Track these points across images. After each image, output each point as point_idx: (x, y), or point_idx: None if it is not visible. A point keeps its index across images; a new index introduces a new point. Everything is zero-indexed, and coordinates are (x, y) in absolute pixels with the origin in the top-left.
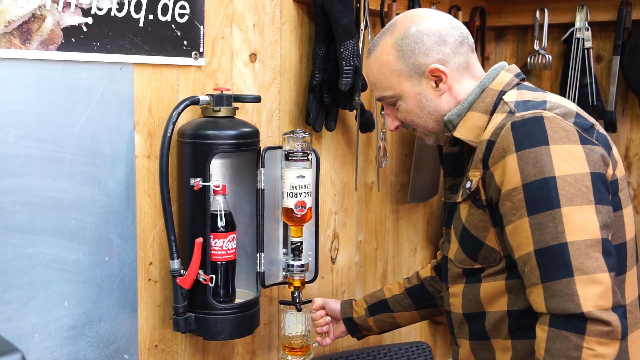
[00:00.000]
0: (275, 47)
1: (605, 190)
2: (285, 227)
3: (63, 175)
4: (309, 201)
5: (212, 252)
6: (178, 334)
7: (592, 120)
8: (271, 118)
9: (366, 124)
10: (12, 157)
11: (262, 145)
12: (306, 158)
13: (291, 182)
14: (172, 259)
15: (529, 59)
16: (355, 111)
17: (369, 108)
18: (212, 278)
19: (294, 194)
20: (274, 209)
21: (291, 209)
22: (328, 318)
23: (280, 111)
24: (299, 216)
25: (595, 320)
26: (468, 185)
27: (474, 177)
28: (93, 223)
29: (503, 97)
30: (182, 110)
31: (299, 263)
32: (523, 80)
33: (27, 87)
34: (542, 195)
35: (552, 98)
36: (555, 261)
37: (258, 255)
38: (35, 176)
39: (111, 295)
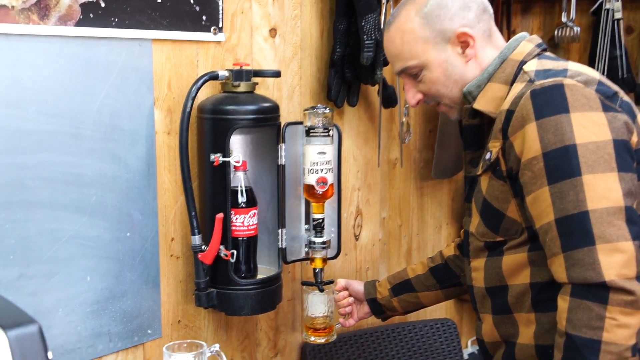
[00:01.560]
0: (295, 22)
1: (629, 158)
2: (308, 203)
3: (83, 152)
4: (330, 177)
5: (233, 227)
6: (201, 309)
7: (615, 87)
8: (292, 94)
9: (389, 99)
10: (32, 133)
11: (283, 121)
12: (327, 134)
13: (312, 158)
14: (193, 234)
15: (556, 32)
16: (377, 86)
17: (391, 83)
18: (233, 254)
19: (315, 170)
20: (296, 185)
21: (312, 186)
22: (351, 299)
23: (301, 87)
24: (320, 193)
25: (618, 289)
26: (488, 156)
27: (494, 147)
28: (114, 199)
29: (523, 67)
30: (201, 86)
31: (320, 240)
32: (544, 50)
33: (45, 63)
34: (562, 164)
35: (574, 66)
36: (577, 230)
37: (279, 231)
38: (55, 152)
39: (133, 270)
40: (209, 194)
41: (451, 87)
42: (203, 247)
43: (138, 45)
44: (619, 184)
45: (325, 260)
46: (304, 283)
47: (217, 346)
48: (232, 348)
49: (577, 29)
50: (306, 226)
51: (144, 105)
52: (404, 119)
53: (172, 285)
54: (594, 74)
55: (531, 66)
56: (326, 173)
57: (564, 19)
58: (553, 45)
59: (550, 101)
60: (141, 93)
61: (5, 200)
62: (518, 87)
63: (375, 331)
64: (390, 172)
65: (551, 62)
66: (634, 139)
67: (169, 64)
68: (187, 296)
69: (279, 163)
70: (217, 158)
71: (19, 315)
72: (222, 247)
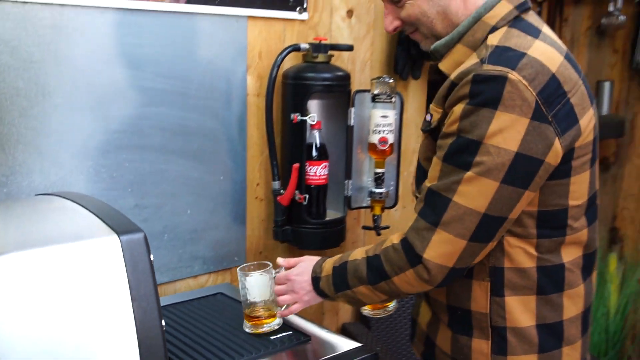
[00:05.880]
0: (370, 5)
1: (526, 175)
2: (371, 159)
3: (188, 107)
4: (390, 138)
5: (307, 176)
6: (279, 243)
7: (572, 81)
8: (364, 67)
9: None
10: (150, 90)
11: (354, 89)
12: (390, 100)
13: (376, 120)
14: (274, 180)
15: (602, 20)
16: None
17: None
18: (305, 197)
19: (378, 131)
20: (363, 144)
21: (375, 144)
22: None
23: (372, 61)
24: (381, 150)
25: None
26: (428, 117)
27: (435, 112)
28: (212, 147)
29: (489, 36)
30: (286, 56)
31: (380, 190)
32: (527, 10)
33: (161, 33)
34: (461, 155)
35: (537, 50)
36: (437, 206)
37: (346, 182)
38: (167, 107)
39: (224, 208)
40: (289, 148)
41: (432, 18)
42: (281, 191)
43: (236, 21)
44: (495, 194)
45: (383, 208)
46: (364, 227)
47: (282, 269)
48: None
49: (622, 18)
50: (369, 179)
51: (238, 71)
52: None
53: (255, 222)
54: (554, 62)
55: (495, 38)
56: (387, 134)
57: (611, 8)
58: (600, 32)
59: (485, 92)
60: (236, 61)
61: (126, 144)
62: (473, 59)
63: None
64: None
65: (518, 38)
66: (558, 146)
67: (260, 38)
68: (268, 232)
69: (349, 124)
70: (295, 117)
71: (128, 224)
72: (297, 191)
